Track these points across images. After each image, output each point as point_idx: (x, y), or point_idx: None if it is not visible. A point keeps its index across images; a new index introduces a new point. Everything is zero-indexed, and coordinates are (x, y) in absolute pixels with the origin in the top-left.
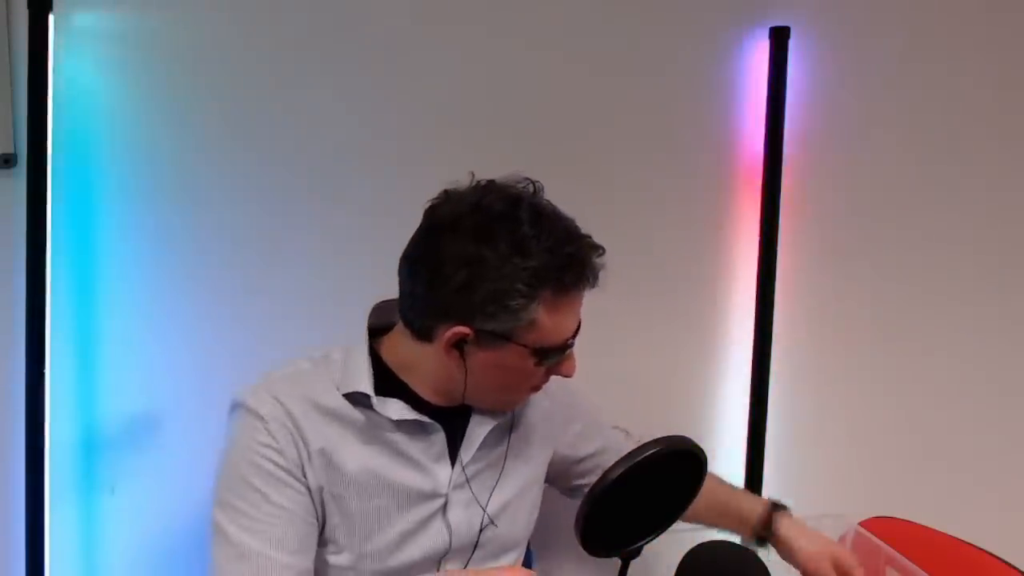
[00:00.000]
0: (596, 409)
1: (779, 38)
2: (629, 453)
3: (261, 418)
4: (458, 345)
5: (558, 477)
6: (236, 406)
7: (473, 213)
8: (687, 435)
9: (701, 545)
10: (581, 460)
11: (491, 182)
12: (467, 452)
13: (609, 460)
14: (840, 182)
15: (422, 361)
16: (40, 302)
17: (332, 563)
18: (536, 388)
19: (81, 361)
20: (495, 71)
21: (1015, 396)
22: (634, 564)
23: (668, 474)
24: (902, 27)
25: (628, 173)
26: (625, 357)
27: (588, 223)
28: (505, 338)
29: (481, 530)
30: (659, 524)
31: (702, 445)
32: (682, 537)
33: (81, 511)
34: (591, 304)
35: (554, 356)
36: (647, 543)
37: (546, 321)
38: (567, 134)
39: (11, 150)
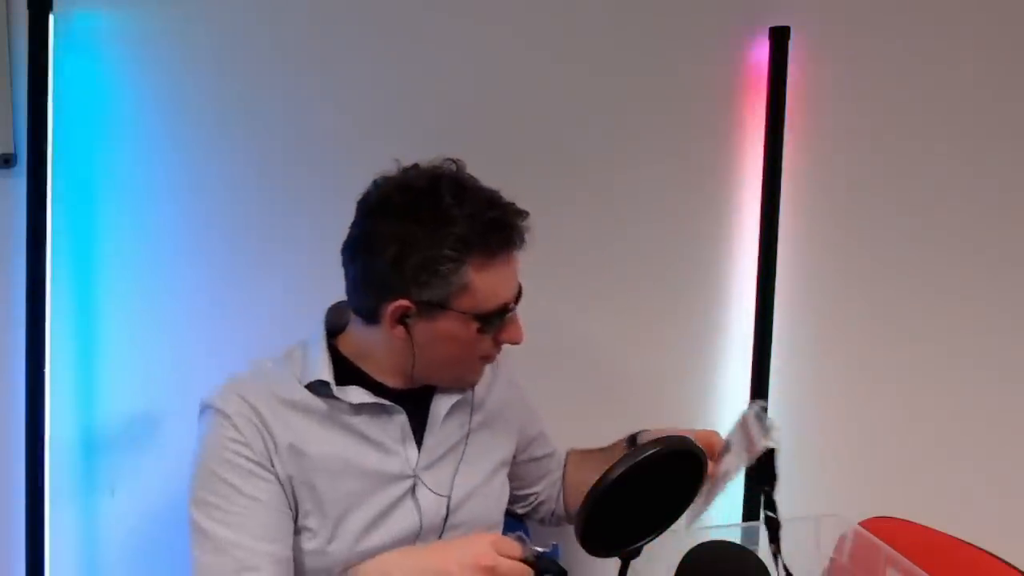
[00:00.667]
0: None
1: (779, 38)
2: (629, 453)
3: (227, 416)
4: (402, 320)
5: (512, 478)
6: (204, 408)
7: (398, 193)
8: (687, 435)
9: (701, 545)
10: (535, 460)
11: (415, 165)
12: (431, 432)
13: (553, 467)
14: (840, 182)
15: (375, 345)
16: (40, 302)
17: (307, 549)
18: (487, 358)
19: (81, 361)
20: (494, 71)
21: (1015, 396)
22: (634, 564)
23: (668, 474)
24: (902, 27)
25: (628, 173)
26: (626, 355)
27: (588, 222)
28: (442, 306)
29: (448, 510)
30: (659, 524)
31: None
32: (682, 537)
33: (81, 511)
34: (592, 304)
35: (494, 321)
36: (647, 543)
37: (479, 284)
38: (567, 134)
39: (11, 150)
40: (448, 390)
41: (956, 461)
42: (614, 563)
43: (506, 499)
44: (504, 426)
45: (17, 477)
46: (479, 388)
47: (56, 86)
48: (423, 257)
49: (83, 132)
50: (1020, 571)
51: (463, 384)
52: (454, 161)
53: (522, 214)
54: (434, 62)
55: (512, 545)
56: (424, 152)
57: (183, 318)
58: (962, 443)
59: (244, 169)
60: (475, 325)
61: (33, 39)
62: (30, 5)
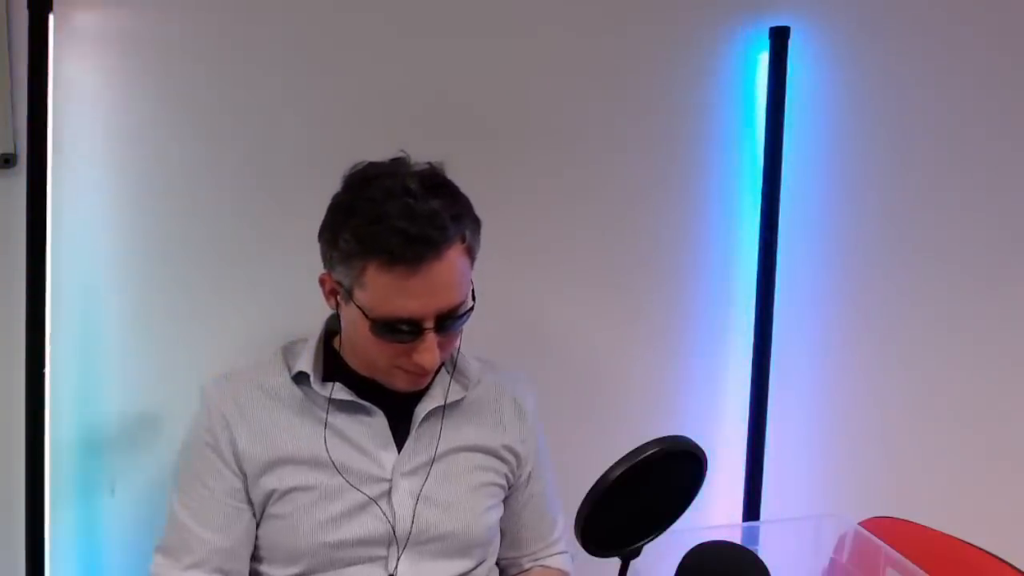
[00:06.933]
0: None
1: (779, 38)
2: (629, 453)
3: (205, 403)
4: (335, 295)
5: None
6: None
7: (348, 176)
8: (687, 435)
9: (701, 545)
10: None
11: (397, 158)
12: (412, 437)
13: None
14: (840, 182)
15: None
16: (40, 302)
17: (272, 535)
18: (400, 368)
19: (81, 361)
20: (491, 70)
21: (1015, 396)
22: (634, 564)
23: (668, 474)
24: (902, 27)
25: (627, 173)
26: (624, 357)
27: (587, 223)
28: (349, 294)
29: (413, 518)
30: (659, 524)
31: (702, 445)
32: (682, 537)
33: (81, 511)
34: (590, 306)
35: (391, 330)
36: (647, 543)
37: (372, 285)
38: (566, 134)
39: (11, 150)
40: (430, 395)
41: (956, 461)
42: (614, 563)
43: (495, 521)
44: (497, 450)
45: (17, 477)
46: (486, 406)
47: (56, 86)
48: (326, 238)
49: (83, 132)
50: (1020, 571)
51: (388, 383)
52: (430, 164)
53: (436, 244)
54: (435, 60)
55: None
56: (422, 147)
57: (183, 318)
58: (962, 443)
59: (244, 168)
60: (367, 324)
61: (33, 39)
62: (30, 5)
